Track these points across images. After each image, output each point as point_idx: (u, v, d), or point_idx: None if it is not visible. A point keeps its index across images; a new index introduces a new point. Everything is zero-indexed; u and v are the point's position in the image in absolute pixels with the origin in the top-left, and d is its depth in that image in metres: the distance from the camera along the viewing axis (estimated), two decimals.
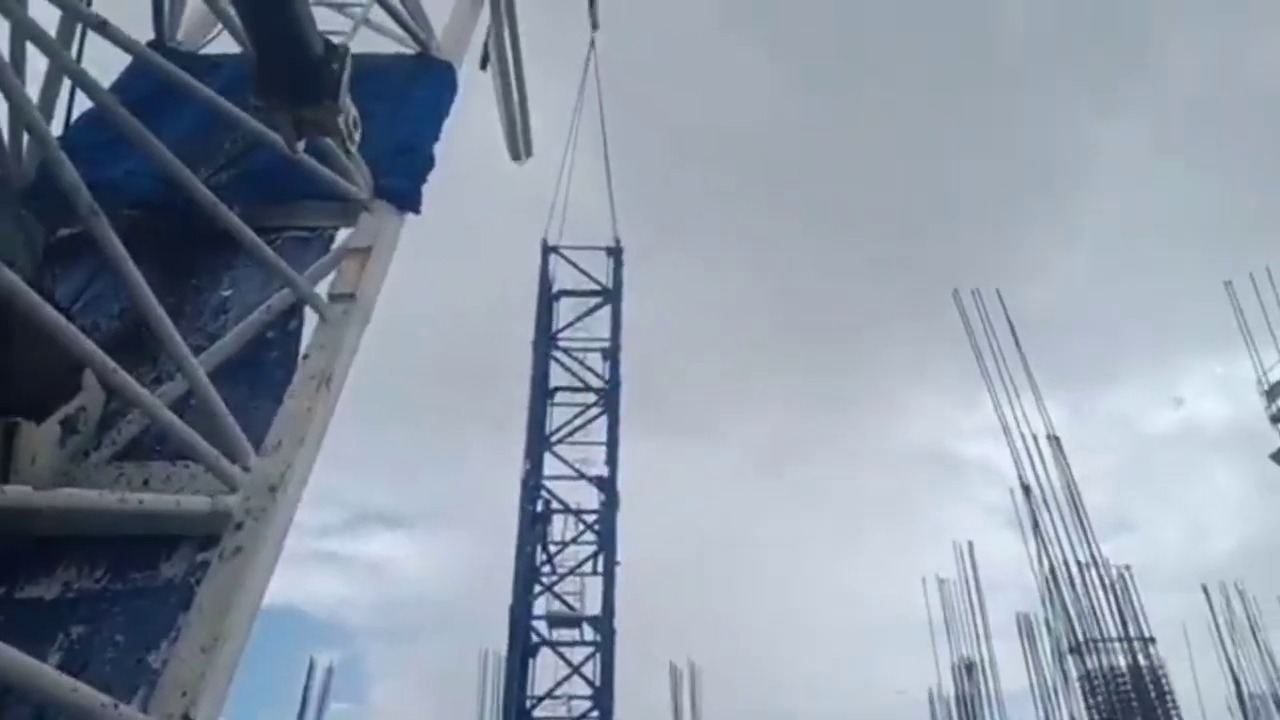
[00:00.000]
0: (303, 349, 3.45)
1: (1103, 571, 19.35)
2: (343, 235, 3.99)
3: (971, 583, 20.83)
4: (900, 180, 37.55)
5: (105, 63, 3.87)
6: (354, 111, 3.37)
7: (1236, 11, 34.11)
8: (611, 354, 18.98)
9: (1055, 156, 38.14)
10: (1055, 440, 20.44)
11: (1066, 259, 38.45)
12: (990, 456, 28.31)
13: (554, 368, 18.93)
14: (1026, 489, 19.98)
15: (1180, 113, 36.71)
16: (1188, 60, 36.20)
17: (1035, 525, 19.70)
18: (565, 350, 19.16)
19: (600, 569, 17.45)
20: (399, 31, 4.87)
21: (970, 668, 20.24)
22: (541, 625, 17.34)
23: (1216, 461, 38.99)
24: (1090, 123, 37.58)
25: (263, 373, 3.41)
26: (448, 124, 4.70)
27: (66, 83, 3.73)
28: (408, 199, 4.13)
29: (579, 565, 17.92)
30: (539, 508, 17.64)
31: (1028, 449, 20.03)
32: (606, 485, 17.88)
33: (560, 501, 18.10)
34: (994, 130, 37.76)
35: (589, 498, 18.20)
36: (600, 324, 19.36)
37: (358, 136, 3.49)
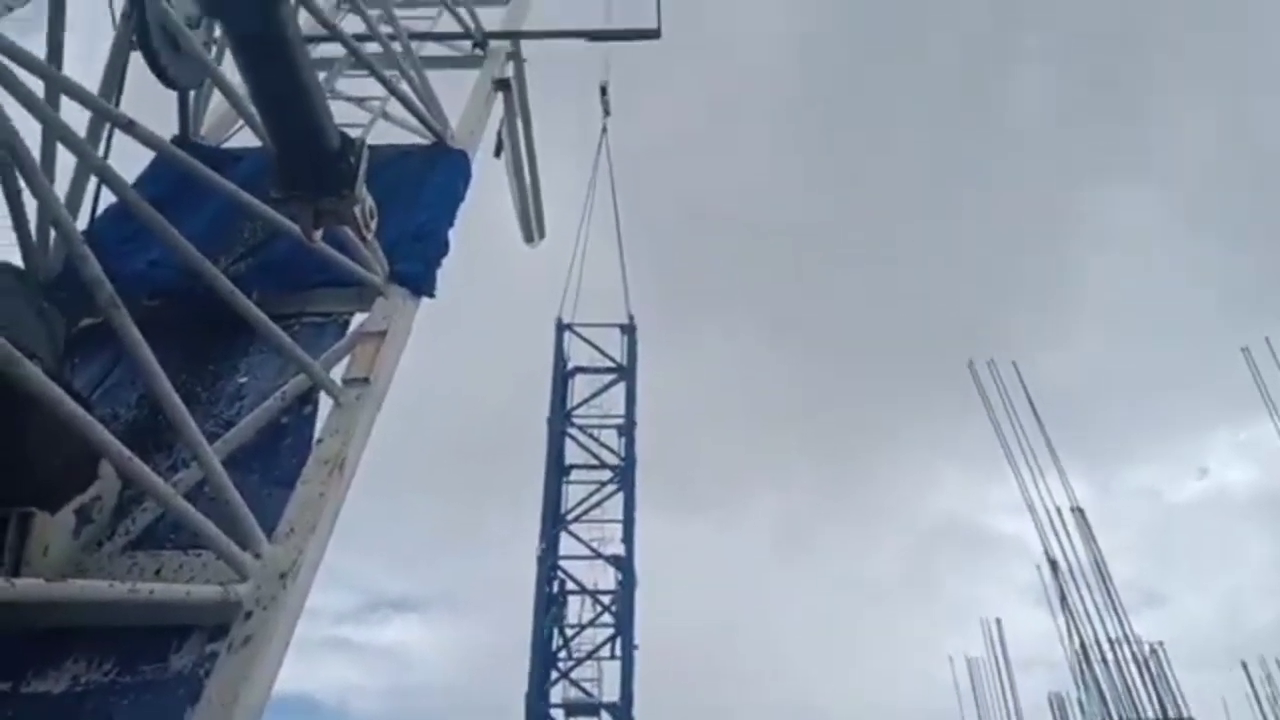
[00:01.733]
0: (316, 433, 3.47)
1: (1135, 648, 18.75)
2: (358, 319, 4.06)
3: (1001, 661, 20.21)
4: (914, 251, 37.83)
5: (133, 153, 4.01)
6: (370, 201, 3.47)
7: (1238, 75, 34.68)
8: (627, 430, 18.92)
9: (1066, 224, 38.41)
10: (1080, 513, 20.06)
11: (1083, 327, 38.31)
12: (1016, 531, 27.80)
13: (569, 445, 18.87)
14: (1054, 564, 19.55)
15: (1189, 176, 37.00)
16: (1193, 124, 36.63)
17: (1064, 601, 19.21)
18: (581, 427, 19.12)
19: (618, 652, 17.04)
20: (415, 123, 5.03)
21: None
22: (559, 714, 16.89)
23: (1247, 531, 38.04)
24: (1099, 188, 37.94)
25: (276, 459, 3.43)
26: (462, 209, 4.82)
27: (93, 178, 3.85)
28: (423, 283, 4.21)
29: (596, 649, 17.52)
30: (554, 589, 17.36)
31: (1052, 523, 19.66)
32: (623, 564, 17.61)
33: (576, 582, 17.80)
34: (1003, 198, 38.13)
35: (606, 578, 17.92)
36: (616, 401, 19.39)
37: (374, 225, 3.58)
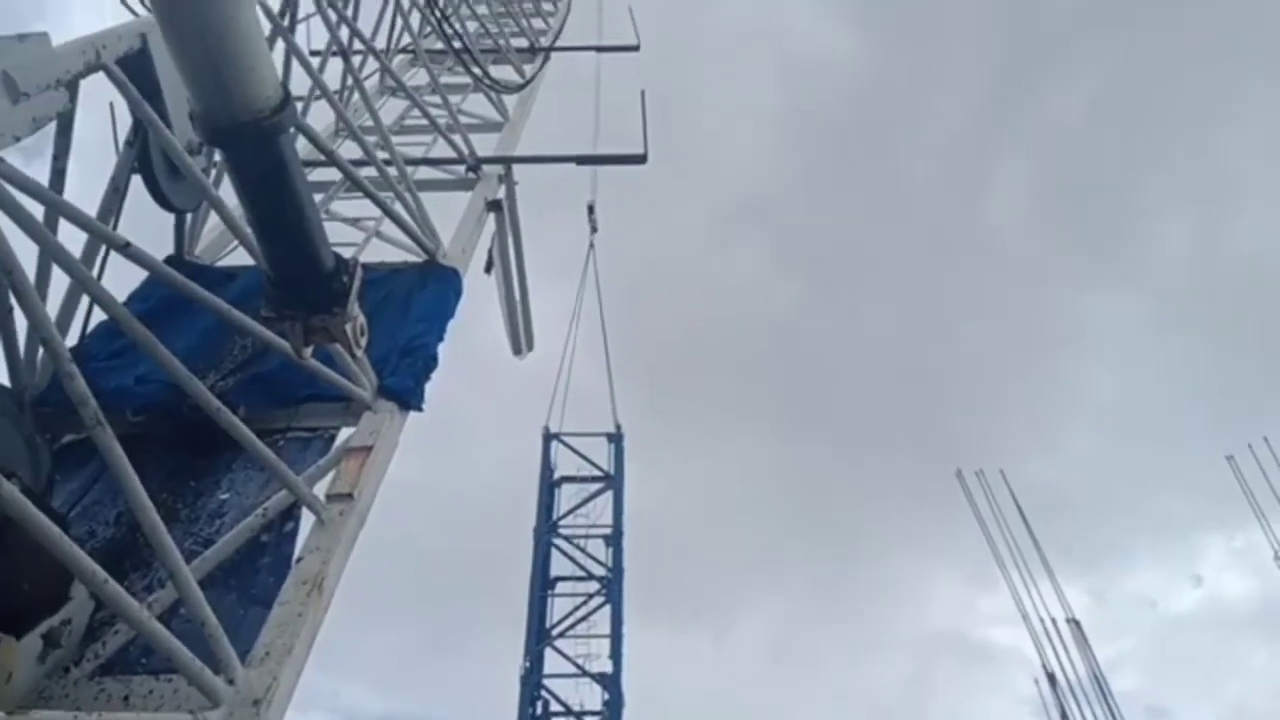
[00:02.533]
0: (297, 551, 3.40)
1: None
2: (345, 434, 4.03)
3: None
4: (901, 358, 38.28)
5: (128, 267, 4.06)
6: (361, 319, 3.50)
7: (1217, 182, 35.94)
8: (614, 540, 18.58)
9: (1050, 330, 39.05)
10: (1076, 624, 19.68)
11: (1070, 433, 38.48)
12: (1013, 641, 27.15)
13: (556, 556, 18.50)
14: (1051, 677, 19.03)
15: (1170, 282, 37.90)
16: (1173, 230, 37.78)
17: (1064, 716, 18.61)
18: (567, 537, 18.79)
19: None
20: (408, 242, 5.14)
21: None
22: None
23: (1248, 640, 37.32)
24: (1081, 295, 38.76)
25: (255, 577, 3.35)
26: (452, 324, 4.87)
27: (84, 300, 3.89)
28: (411, 397, 4.22)
29: None
30: (538, 710, 16.68)
31: (1048, 634, 19.25)
32: (610, 682, 17.00)
33: (561, 702, 17.13)
34: (991, 303, 38.87)
35: (592, 697, 17.26)
36: (603, 510, 19.13)
37: (364, 342, 3.60)
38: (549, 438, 19.73)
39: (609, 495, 19.25)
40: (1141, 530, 38.21)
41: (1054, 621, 19.36)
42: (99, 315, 4.13)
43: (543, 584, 18.12)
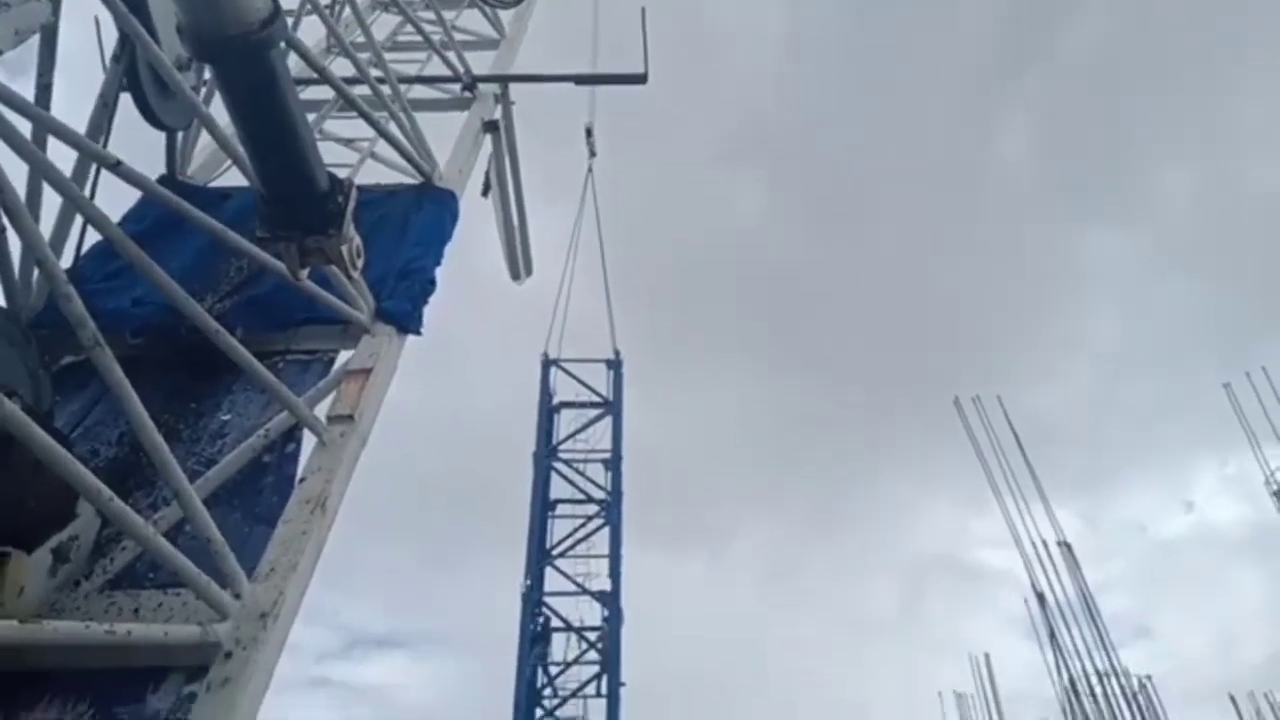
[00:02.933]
0: (299, 471, 3.45)
1: (1124, 682, 18.67)
2: (343, 357, 4.05)
3: (990, 696, 20.07)
4: (901, 289, 38.19)
5: (119, 191, 4.01)
6: (357, 240, 3.48)
7: (1222, 122, 35.41)
8: (613, 465, 18.85)
9: (1052, 266, 38.92)
10: (1066, 547, 20.09)
11: (1070, 364, 38.66)
12: (1004, 564, 27.77)
13: (555, 480, 18.79)
14: (1041, 598, 19.51)
15: (1174, 220, 37.64)
16: (1177, 169, 37.41)
17: (1052, 635, 19.14)
18: (567, 462, 19.05)
19: (604, 690, 16.83)
20: (403, 163, 5.06)
21: None
22: None
23: (1238, 565, 38.19)
24: (1084, 232, 38.48)
25: (258, 497, 3.40)
26: (449, 248, 4.84)
27: (78, 220, 3.85)
28: (409, 321, 4.21)
29: (582, 687, 17.29)
30: (539, 625, 17.16)
31: (1039, 557, 19.66)
32: (609, 600, 17.44)
33: (561, 619, 17.61)
34: (993, 239, 38.69)
35: (592, 614, 17.73)
36: (602, 436, 19.34)
37: (360, 264, 3.59)
38: (548, 364, 19.82)
39: (608, 421, 19.44)
40: (1135, 458, 38.75)
41: (1045, 544, 19.77)
42: (92, 237, 4.10)
43: (543, 506, 18.45)
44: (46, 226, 3.76)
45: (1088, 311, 38.12)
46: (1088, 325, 38.28)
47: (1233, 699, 19.39)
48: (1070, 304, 38.33)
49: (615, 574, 17.66)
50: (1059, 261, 39.08)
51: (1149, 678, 19.03)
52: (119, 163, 3.37)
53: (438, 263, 4.57)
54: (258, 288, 4.09)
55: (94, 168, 3.63)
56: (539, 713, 16.76)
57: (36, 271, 3.77)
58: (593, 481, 18.93)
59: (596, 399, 19.61)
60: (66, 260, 3.94)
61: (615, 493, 18.55)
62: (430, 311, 4.43)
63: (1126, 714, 18.41)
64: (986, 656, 20.61)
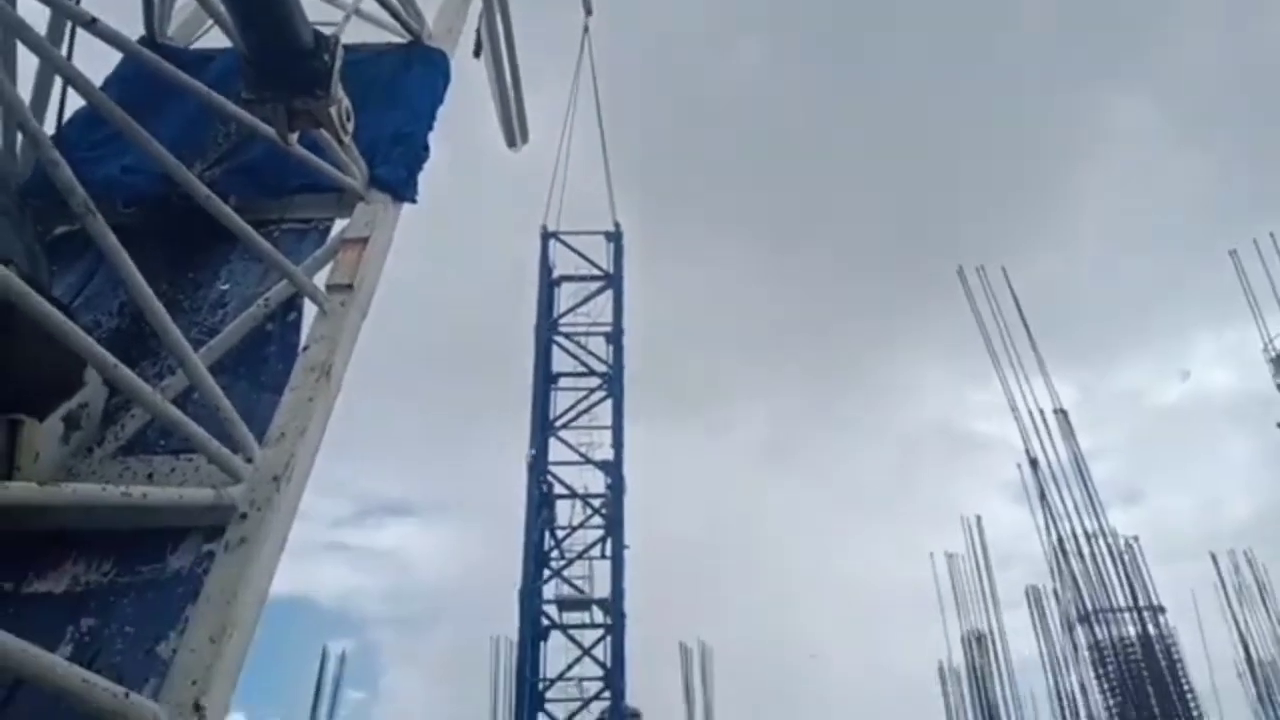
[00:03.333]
0: (302, 340, 3.47)
1: (1111, 542, 19.43)
2: (339, 226, 4.00)
3: (980, 556, 20.93)
4: (905, 157, 37.39)
5: (95, 61, 3.87)
6: (346, 102, 3.38)
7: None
8: (614, 338, 18.98)
9: (1062, 131, 37.92)
10: (1062, 414, 20.50)
11: (1074, 234, 38.29)
12: (999, 432, 28.34)
13: (557, 353, 18.96)
14: (1034, 462, 20.05)
15: (1187, 86, 36.46)
16: (1194, 35, 35.93)
17: (1043, 497, 19.78)
18: (567, 335, 19.17)
19: (608, 553, 17.53)
20: (390, 21, 4.86)
21: (980, 639, 20.36)
22: (552, 609, 17.45)
23: (1227, 431, 39.02)
24: (1098, 97, 37.31)
25: (263, 365, 3.44)
26: (441, 111, 4.70)
27: (58, 81, 3.73)
28: (403, 188, 4.14)
29: (587, 549, 18.01)
30: (543, 491, 17.70)
31: (1035, 424, 20.08)
32: (612, 469, 17.92)
33: (566, 486, 18.15)
34: (1000, 105, 37.55)
35: (595, 482, 18.27)
36: (603, 309, 19.37)
37: (351, 127, 3.50)
38: (547, 236, 19.64)
39: (608, 294, 19.43)
40: (1136, 329, 38.96)
41: (1041, 412, 20.16)
42: (73, 104, 3.99)
43: (545, 379, 18.69)
44: (25, 91, 3.65)
45: (1098, 181, 37.48)
46: (1097, 195, 37.72)
47: (1213, 557, 20.25)
48: (1080, 172, 37.65)
49: (617, 444, 18.09)
50: (1072, 127, 38.11)
51: (1135, 538, 19.81)
52: (94, 20, 3.24)
53: (430, 127, 4.46)
54: (248, 154, 4.00)
55: (69, 26, 3.49)
56: (546, 573, 17.51)
57: (20, 139, 3.68)
58: (594, 355, 19.11)
59: (596, 272, 19.55)
60: (48, 130, 3.84)
61: (616, 366, 18.76)
62: (425, 180, 4.35)
63: (1112, 572, 19.25)
64: (978, 518, 21.41)
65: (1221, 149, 34.66)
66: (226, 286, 3.74)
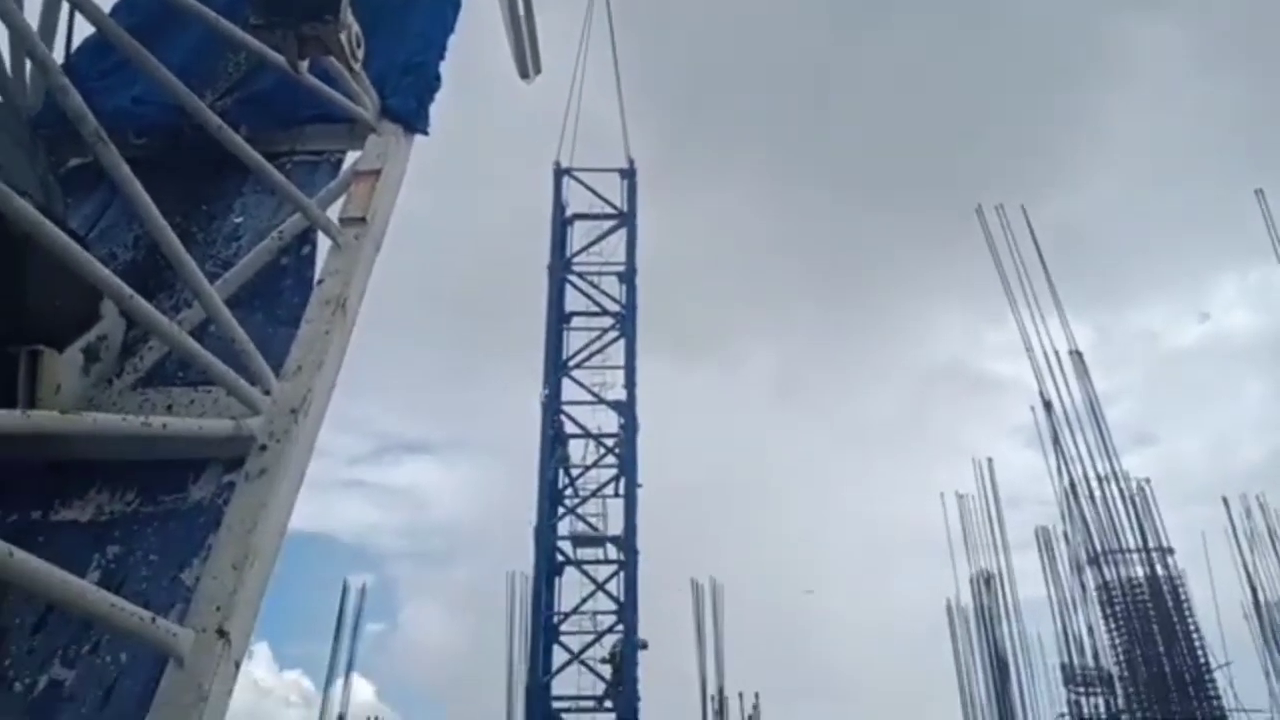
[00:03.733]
0: (316, 274, 3.46)
1: (1122, 484, 19.48)
2: (351, 158, 3.97)
3: (990, 497, 21.04)
4: (923, 91, 36.57)
5: None
6: (356, 28, 3.32)
7: None
8: (627, 277, 18.92)
9: (1088, 59, 36.91)
10: (1078, 356, 20.39)
11: (1096, 172, 37.56)
12: (1013, 374, 28.24)
13: (570, 292, 18.93)
14: (1048, 405, 20.01)
15: (1217, 17, 35.30)
16: None
17: (1055, 440, 19.80)
18: (580, 274, 19.12)
19: (621, 491, 17.74)
20: None
21: (989, 580, 20.59)
22: (566, 545, 17.76)
23: (1244, 374, 38.77)
24: (1129, 22, 36.21)
25: (278, 298, 3.44)
26: (452, 41, 4.61)
27: (65, 7, 3.67)
28: (415, 119, 4.09)
29: (600, 488, 18.23)
30: (555, 431, 17.85)
31: (1050, 365, 19.99)
32: (625, 409, 18.03)
33: (580, 426, 18.30)
34: (1021, 36, 36.53)
35: (609, 421, 18.39)
36: (616, 247, 19.28)
37: (361, 55, 3.45)
38: (560, 173, 19.44)
39: (622, 232, 19.30)
40: (1156, 269, 38.47)
41: (1056, 353, 20.04)
42: (81, 33, 3.93)
43: (558, 318, 18.71)
44: (32, 19, 3.59)
45: (1121, 112, 36.62)
46: (1120, 127, 36.88)
47: (1225, 501, 20.26)
48: (1103, 105, 36.74)
49: (630, 384, 18.16)
50: (1095, 58, 37.08)
51: (1148, 481, 19.84)
52: None
53: (441, 56, 4.37)
54: (259, 84, 3.95)
55: None
56: (560, 511, 17.77)
57: (29, 67, 3.64)
58: (607, 294, 19.07)
59: (610, 210, 19.39)
60: (57, 58, 3.79)
61: (630, 306, 18.73)
62: (436, 112, 4.29)
63: (1123, 515, 19.33)
64: (989, 460, 21.44)
65: (1253, 78, 33.71)
66: (240, 219, 3.73)
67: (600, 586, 17.28)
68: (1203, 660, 18.42)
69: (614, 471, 18.04)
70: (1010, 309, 20.68)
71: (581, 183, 19.45)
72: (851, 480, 37.38)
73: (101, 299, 3.00)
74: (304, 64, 3.22)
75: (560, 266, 18.94)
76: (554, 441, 17.67)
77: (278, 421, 2.92)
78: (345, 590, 19.66)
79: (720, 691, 18.08)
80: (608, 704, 16.56)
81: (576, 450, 18.51)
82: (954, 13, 35.75)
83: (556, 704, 16.68)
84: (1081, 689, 19.18)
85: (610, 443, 18.23)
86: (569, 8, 18.67)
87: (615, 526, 17.70)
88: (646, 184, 19.79)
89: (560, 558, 17.49)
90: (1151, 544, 19.21)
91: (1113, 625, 19.30)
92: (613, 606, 17.12)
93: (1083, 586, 19.58)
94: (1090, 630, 19.35)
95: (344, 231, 3.55)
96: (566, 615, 17.31)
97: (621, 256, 19.11)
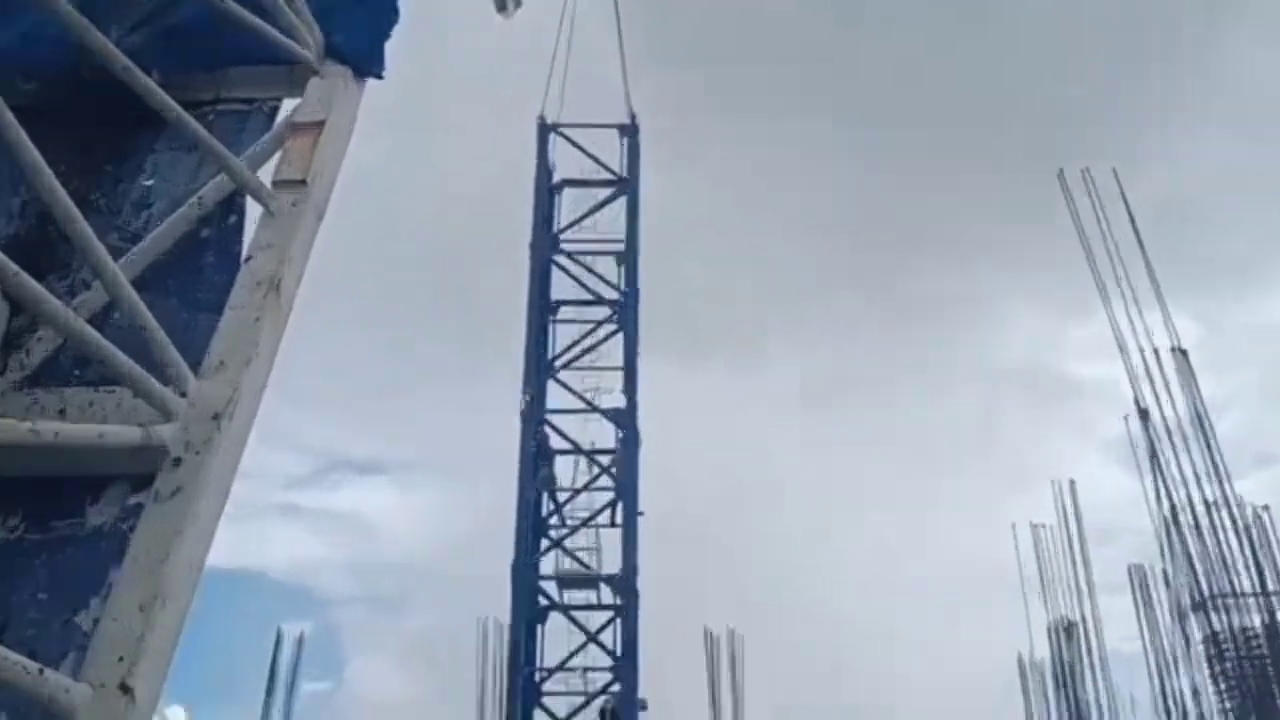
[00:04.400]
0: (245, 249, 3.47)
1: (1235, 513, 19.45)
2: (288, 107, 3.97)
3: (1073, 528, 21.04)
4: (993, 41, 36.52)
5: None
6: None
7: None
8: (627, 257, 18.88)
9: (1187, 7, 36.84)
10: (1182, 354, 20.36)
11: (1198, 136, 37.47)
12: (1102, 377, 28.18)
13: (557, 275, 18.89)
14: (1144, 414, 20.00)
15: None
16: None
17: (1154, 457, 19.78)
18: (570, 254, 19.07)
19: (619, 520, 17.70)
20: None
21: (1070, 629, 20.59)
22: (551, 586, 17.73)
23: None
24: None
25: (198, 279, 3.45)
26: None
27: None
28: (366, 60, 4.10)
29: (593, 516, 18.21)
30: (536, 444, 17.79)
31: (1147, 366, 19.98)
32: (624, 419, 17.97)
33: (569, 440, 18.27)
34: None
35: (603, 434, 18.36)
36: (613, 221, 19.24)
37: None
38: (546, 129, 19.41)
39: (621, 202, 19.24)
40: (1274, 249, 38.29)
41: (1155, 352, 20.02)
42: None
43: (542, 308, 18.65)
44: None
45: (1224, 67, 36.52)
46: (1224, 85, 36.81)
47: None
48: (1202, 56, 36.68)
49: (630, 389, 18.09)
50: None
51: (1266, 508, 19.81)
52: None
53: None
54: (175, 16, 3.95)
55: None
56: (545, 544, 17.72)
57: None
58: (602, 278, 19.02)
59: (606, 176, 19.35)
60: None
61: (630, 291, 18.66)
62: (393, 49, 4.30)
63: (1236, 550, 19.29)
64: (1071, 483, 21.47)
65: None
66: (151, 182, 3.73)
67: (593, 637, 17.27)
68: None
69: (610, 496, 18.02)
70: (1099, 298, 20.66)
71: (572, 141, 19.42)
72: (901, 508, 37.34)
73: None
74: None
75: (546, 244, 18.89)
76: (536, 459, 17.65)
77: (195, 429, 2.92)
78: (279, 640, 19.77)
79: None
80: None
81: (564, 469, 18.51)
82: None
83: None
84: None
85: (605, 460, 18.21)
86: None
87: (611, 564, 17.70)
88: (653, 144, 19.77)
89: (544, 601, 17.47)
90: (1271, 586, 19.20)
91: (1222, 685, 19.31)
92: (607, 661, 17.11)
93: (1186, 638, 19.59)
94: (1195, 692, 19.36)
95: (278, 197, 3.56)
96: (551, 672, 17.32)
97: (620, 232, 19.07)
